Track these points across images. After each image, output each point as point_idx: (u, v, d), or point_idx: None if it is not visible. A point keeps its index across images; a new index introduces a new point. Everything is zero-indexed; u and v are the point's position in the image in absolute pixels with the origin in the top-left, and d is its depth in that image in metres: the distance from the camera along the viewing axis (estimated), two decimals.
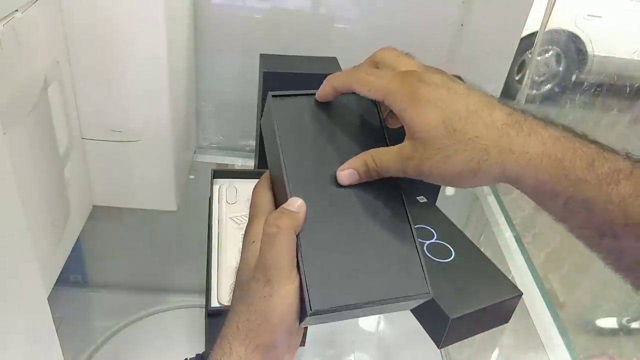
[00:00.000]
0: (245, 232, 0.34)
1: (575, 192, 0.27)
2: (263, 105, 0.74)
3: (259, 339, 0.30)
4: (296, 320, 0.31)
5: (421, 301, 0.31)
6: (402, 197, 0.33)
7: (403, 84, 0.31)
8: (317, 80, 0.68)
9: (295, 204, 0.31)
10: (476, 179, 0.29)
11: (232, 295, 0.32)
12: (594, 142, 0.30)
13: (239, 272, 0.32)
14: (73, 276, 0.65)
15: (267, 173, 0.36)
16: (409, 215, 0.33)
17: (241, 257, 0.32)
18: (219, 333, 0.31)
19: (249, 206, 0.56)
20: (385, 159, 0.31)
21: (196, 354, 0.33)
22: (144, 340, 0.61)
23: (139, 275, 0.67)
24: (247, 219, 0.58)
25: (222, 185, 0.58)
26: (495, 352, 0.64)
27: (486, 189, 0.89)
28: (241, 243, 0.56)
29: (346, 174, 0.32)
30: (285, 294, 0.30)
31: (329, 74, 0.67)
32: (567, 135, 0.29)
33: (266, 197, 0.34)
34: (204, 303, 0.48)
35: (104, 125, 0.61)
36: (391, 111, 0.33)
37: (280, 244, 0.30)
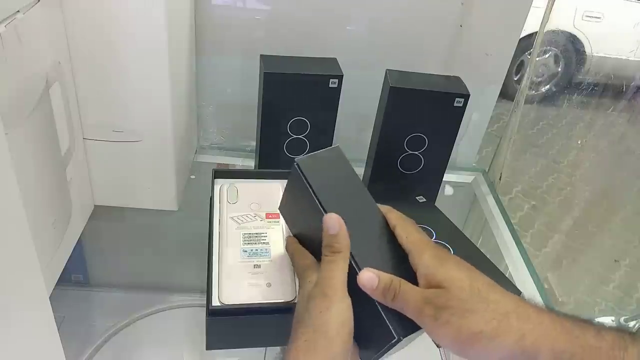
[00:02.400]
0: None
1: None
2: (263, 106, 0.74)
3: (315, 358, 0.31)
4: (350, 339, 0.32)
5: None
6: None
7: (436, 247, 0.35)
8: (317, 80, 0.69)
9: (335, 225, 0.35)
10: (493, 345, 0.29)
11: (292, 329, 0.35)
12: (587, 320, 0.31)
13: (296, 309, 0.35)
14: (74, 276, 0.65)
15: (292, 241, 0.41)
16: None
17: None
18: None
19: (249, 206, 0.57)
20: (409, 292, 0.33)
21: None
22: (145, 340, 0.61)
23: (140, 275, 0.68)
24: (247, 219, 0.59)
25: (223, 185, 0.58)
26: None
27: (485, 188, 0.90)
28: (241, 242, 0.56)
29: (367, 277, 0.34)
30: (341, 308, 0.32)
31: (329, 74, 0.68)
32: (565, 315, 0.31)
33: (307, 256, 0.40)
34: (205, 302, 0.48)
35: (106, 125, 0.62)
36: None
37: (337, 264, 0.34)
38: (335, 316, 0.32)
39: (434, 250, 0.34)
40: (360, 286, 0.33)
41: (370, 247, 0.36)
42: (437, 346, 0.56)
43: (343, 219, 0.36)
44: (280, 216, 0.55)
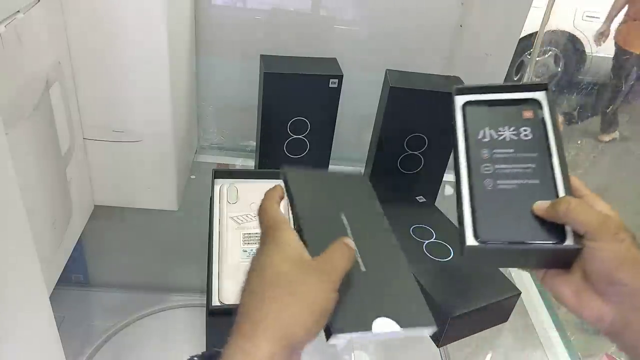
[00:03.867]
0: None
1: None
2: (264, 106, 0.74)
3: (290, 337, 0.29)
4: (325, 321, 0.31)
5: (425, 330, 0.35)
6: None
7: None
8: (317, 80, 0.69)
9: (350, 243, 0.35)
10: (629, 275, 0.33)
11: (252, 286, 0.32)
12: None
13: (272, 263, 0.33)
14: (74, 276, 0.65)
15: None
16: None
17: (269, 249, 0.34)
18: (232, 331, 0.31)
19: (249, 206, 0.57)
20: (586, 209, 0.35)
21: (202, 352, 0.33)
22: (145, 340, 0.61)
23: (140, 275, 0.68)
24: (247, 219, 0.58)
25: (223, 185, 0.58)
26: (494, 351, 0.64)
27: None
28: (241, 242, 0.56)
29: (544, 206, 0.36)
30: (336, 293, 0.32)
31: (329, 74, 0.68)
32: None
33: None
34: (205, 302, 0.48)
35: (106, 125, 0.62)
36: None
37: (352, 261, 0.34)
38: (331, 298, 0.31)
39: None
40: (536, 209, 0.37)
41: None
42: (438, 346, 0.56)
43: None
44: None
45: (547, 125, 0.41)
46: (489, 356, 0.65)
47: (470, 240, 0.37)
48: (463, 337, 0.58)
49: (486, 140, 0.40)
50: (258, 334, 0.29)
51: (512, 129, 0.41)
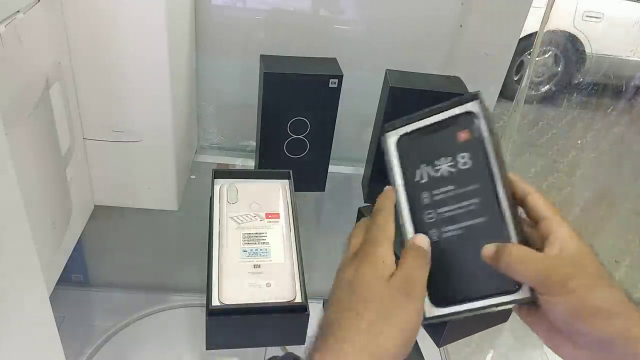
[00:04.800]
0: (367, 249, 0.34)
1: None
2: (264, 106, 0.74)
3: (379, 356, 0.29)
4: (412, 344, 0.31)
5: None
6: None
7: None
8: (317, 80, 0.69)
9: (424, 242, 0.34)
10: (605, 324, 0.29)
11: (340, 300, 0.32)
12: None
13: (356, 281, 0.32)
14: (74, 276, 0.65)
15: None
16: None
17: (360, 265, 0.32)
18: (322, 335, 0.30)
19: (249, 206, 0.57)
20: (529, 255, 0.31)
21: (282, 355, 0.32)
22: (145, 340, 0.61)
23: (140, 275, 0.68)
24: (247, 219, 0.58)
25: (223, 185, 0.58)
26: (494, 351, 0.64)
27: None
28: (241, 242, 0.56)
29: (489, 249, 0.32)
30: (420, 312, 0.31)
31: (329, 74, 0.68)
32: None
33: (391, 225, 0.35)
34: (205, 302, 0.48)
35: (106, 125, 0.62)
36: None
37: (427, 263, 0.32)
38: (417, 321, 0.31)
39: (568, 222, 0.33)
40: (483, 255, 0.32)
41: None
42: (438, 346, 0.56)
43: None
44: (281, 216, 0.55)
45: (485, 144, 0.33)
46: (489, 356, 0.65)
47: (429, 311, 0.33)
48: (463, 337, 0.58)
49: (424, 181, 0.35)
50: (347, 349, 0.29)
51: (448, 160, 0.34)
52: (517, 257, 0.31)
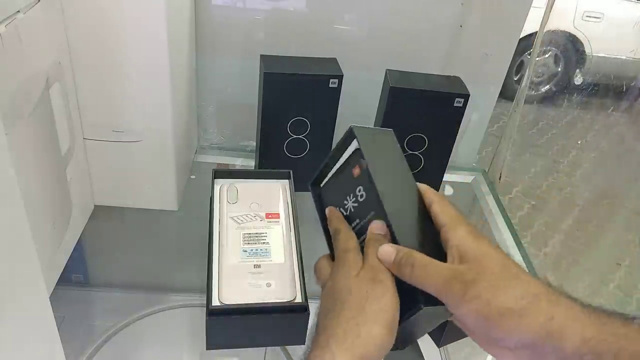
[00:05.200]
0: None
1: (620, 350, 0.27)
2: (264, 106, 0.74)
3: (363, 349, 0.30)
4: (395, 334, 0.31)
5: None
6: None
7: (471, 224, 0.34)
8: (317, 80, 0.69)
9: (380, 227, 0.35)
10: (520, 324, 0.28)
11: (326, 303, 0.33)
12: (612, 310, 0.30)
13: (333, 286, 0.34)
14: (74, 276, 0.65)
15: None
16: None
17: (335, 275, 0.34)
18: (313, 341, 0.31)
19: (249, 206, 0.57)
20: (430, 265, 0.31)
21: None
22: (145, 340, 0.61)
23: (140, 275, 0.68)
24: (247, 219, 0.58)
25: (223, 185, 0.58)
26: None
27: (485, 188, 0.90)
28: (241, 242, 0.56)
29: (385, 251, 0.33)
30: (394, 301, 0.32)
31: (329, 74, 0.68)
32: (590, 305, 0.30)
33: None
34: (205, 302, 0.48)
35: (106, 125, 0.62)
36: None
37: (390, 249, 0.33)
38: (391, 309, 0.31)
39: (469, 226, 0.33)
40: (380, 259, 0.33)
41: (411, 228, 0.35)
42: (438, 346, 0.56)
43: (390, 195, 0.36)
44: (281, 216, 0.55)
45: (370, 171, 0.36)
46: (488, 356, 0.65)
47: None
48: (463, 337, 0.58)
49: (345, 217, 0.39)
50: (332, 345, 0.30)
51: (351, 197, 0.38)
52: (420, 265, 0.31)
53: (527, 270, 0.32)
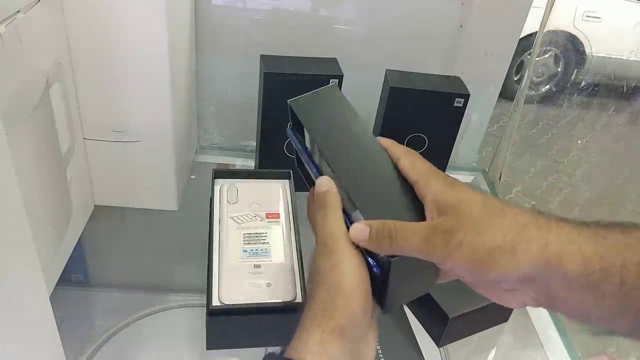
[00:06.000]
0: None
1: (625, 261, 0.25)
2: (264, 106, 0.74)
3: (334, 321, 0.29)
4: (368, 296, 0.31)
5: None
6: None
7: (444, 174, 0.32)
8: (317, 80, 0.69)
9: (323, 184, 0.34)
10: (513, 259, 0.26)
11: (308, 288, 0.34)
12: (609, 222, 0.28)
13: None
14: (74, 276, 0.65)
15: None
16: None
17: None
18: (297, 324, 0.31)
19: (249, 206, 0.57)
20: (408, 229, 0.29)
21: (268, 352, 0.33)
22: (145, 340, 0.61)
23: (140, 275, 0.68)
24: (247, 219, 0.59)
25: (223, 185, 0.58)
26: (494, 351, 0.64)
27: (485, 188, 0.90)
28: (241, 242, 0.56)
29: (357, 229, 0.31)
30: (352, 263, 0.31)
31: (329, 74, 0.68)
32: (585, 221, 0.28)
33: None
34: (205, 302, 0.48)
35: (106, 125, 0.62)
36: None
37: (333, 218, 0.32)
38: (348, 272, 0.30)
39: (442, 176, 0.31)
40: (355, 240, 0.31)
41: (375, 190, 0.33)
42: (438, 346, 0.56)
43: (344, 160, 0.33)
44: (281, 216, 0.55)
45: (318, 144, 0.36)
46: (488, 356, 0.65)
47: None
48: (463, 337, 0.58)
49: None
50: (306, 323, 0.30)
51: (315, 170, 0.38)
52: (397, 233, 0.29)
53: None
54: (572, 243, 0.26)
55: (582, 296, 0.26)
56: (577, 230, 0.27)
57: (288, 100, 0.36)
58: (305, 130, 0.37)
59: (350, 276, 0.30)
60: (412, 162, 0.33)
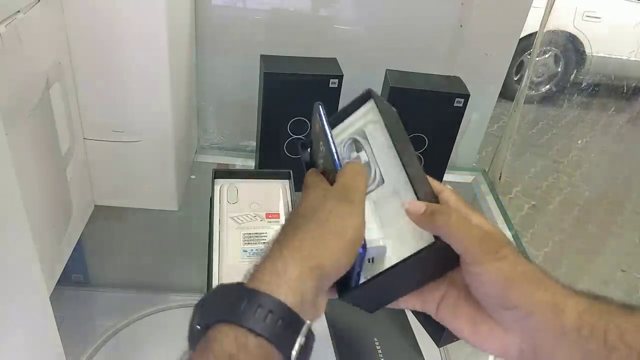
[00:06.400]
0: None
1: (608, 323, 0.28)
2: (264, 106, 0.74)
3: (317, 260, 0.28)
4: (353, 258, 0.30)
5: None
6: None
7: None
8: (317, 80, 0.69)
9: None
10: (536, 292, 0.29)
11: (285, 224, 0.32)
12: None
13: (300, 208, 0.32)
14: (74, 276, 0.65)
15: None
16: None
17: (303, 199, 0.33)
18: (267, 249, 0.30)
19: (249, 206, 0.57)
20: (464, 222, 0.31)
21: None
22: (145, 340, 0.61)
23: (140, 275, 0.68)
24: (247, 219, 0.58)
25: (223, 185, 0.58)
26: None
27: (485, 188, 0.90)
28: (241, 242, 0.56)
29: (418, 204, 0.32)
30: (362, 219, 0.30)
31: (329, 74, 0.68)
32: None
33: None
34: None
35: (106, 125, 0.62)
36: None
37: (364, 174, 0.33)
38: (357, 224, 0.30)
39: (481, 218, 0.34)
40: (409, 211, 0.32)
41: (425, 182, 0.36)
42: (438, 346, 0.56)
43: (407, 156, 0.36)
44: (281, 216, 0.55)
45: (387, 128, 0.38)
46: (488, 356, 0.65)
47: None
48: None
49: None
50: (286, 255, 0.29)
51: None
52: (456, 221, 0.31)
53: None
54: (571, 297, 0.30)
55: (569, 351, 0.29)
56: (572, 290, 0.30)
57: (370, 89, 0.39)
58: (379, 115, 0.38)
59: (354, 231, 0.30)
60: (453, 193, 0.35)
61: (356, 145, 0.39)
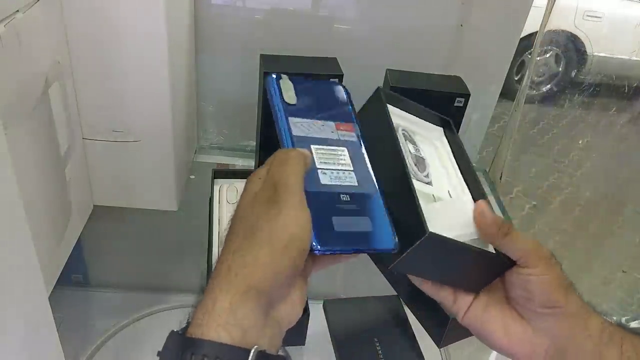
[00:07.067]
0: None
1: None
2: (263, 106, 0.74)
3: (247, 281, 0.26)
4: (302, 257, 0.27)
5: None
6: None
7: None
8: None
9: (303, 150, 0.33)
10: (575, 298, 0.34)
11: (223, 245, 0.29)
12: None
13: (234, 214, 0.30)
14: (74, 276, 0.65)
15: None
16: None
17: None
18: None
19: None
20: (521, 234, 0.35)
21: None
22: (144, 340, 0.61)
23: (140, 275, 0.68)
24: None
25: (223, 185, 0.58)
26: (495, 352, 0.64)
27: (485, 188, 0.89)
28: None
29: (485, 208, 0.36)
30: (295, 218, 0.27)
31: (329, 74, 0.68)
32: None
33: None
34: None
35: (105, 125, 0.62)
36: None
37: (294, 159, 0.30)
38: (287, 223, 0.27)
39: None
40: (477, 212, 0.36)
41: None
42: (438, 347, 0.56)
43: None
44: None
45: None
46: (489, 357, 0.65)
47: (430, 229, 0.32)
48: (464, 338, 0.58)
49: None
50: (214, 287, 0.27)
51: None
52: (517, 232, 0.35)
53: None
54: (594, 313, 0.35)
55: (591, 353, 0.33)
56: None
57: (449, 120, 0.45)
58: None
59: (286, 231, 0.27)
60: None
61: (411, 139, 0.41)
